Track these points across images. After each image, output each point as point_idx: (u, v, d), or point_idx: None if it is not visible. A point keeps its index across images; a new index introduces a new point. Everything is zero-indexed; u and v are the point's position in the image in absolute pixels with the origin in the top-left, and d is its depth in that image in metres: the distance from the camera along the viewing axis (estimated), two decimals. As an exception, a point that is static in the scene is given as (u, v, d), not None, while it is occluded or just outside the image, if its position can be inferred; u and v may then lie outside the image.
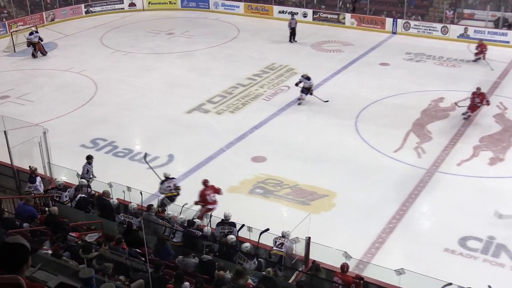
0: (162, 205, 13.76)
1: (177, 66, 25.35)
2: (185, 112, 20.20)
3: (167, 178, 14.18)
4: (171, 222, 12.25)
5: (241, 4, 34.21)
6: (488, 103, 19.33)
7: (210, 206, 13.59)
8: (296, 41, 28.78)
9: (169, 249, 10.89)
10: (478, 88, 19.36)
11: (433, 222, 14.20)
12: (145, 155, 15.90)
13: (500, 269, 12.20)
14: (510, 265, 12.29)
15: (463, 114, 19.33)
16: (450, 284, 9.72)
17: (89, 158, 14.70)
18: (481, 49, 25.11)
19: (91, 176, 14.49)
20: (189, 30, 30.82)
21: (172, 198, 13.99)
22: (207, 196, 13.64)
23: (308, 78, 20.53)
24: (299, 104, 20.61)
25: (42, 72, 24.80)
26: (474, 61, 25.17)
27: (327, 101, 20.50)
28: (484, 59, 24.90)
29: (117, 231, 11.48)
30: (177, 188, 14.13)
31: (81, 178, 13.95)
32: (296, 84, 20.80)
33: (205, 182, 13.86)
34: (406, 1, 30.45)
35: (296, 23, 28.87)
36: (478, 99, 19.11)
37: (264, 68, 24.63)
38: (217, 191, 13.83)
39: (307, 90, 20.61)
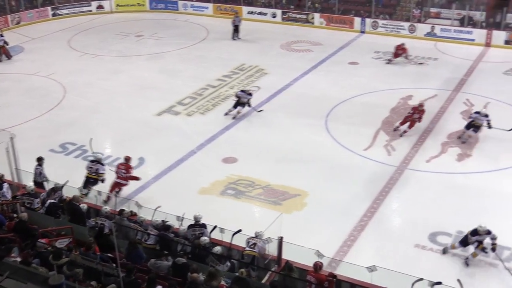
0: (85, 185, 14.44)
1: (147, 68, 25.19)
2: (155, 114, 20.08)
3: (95, 161, 14.86)
4: (143, 225, 12.15)
5: (210, 5, 34.14)
6: (420, 120, 18.39)
7: (117, 180, 14.68)
8: (240, 38, 29.06)
9: (141, 252, 10.80)
10: (421, 105, 18.60)
11: (404, 218, 14.37)
12: (90, 140, 16.09)
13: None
14: (478, 258, 12.45)
15: (396, 129, 18.33)
16: (440, 283, 9.80)
17: (40, 160, 14.62)
18: (401, 52, 25.08)
19: (44, 179, 14.41)
20: (158, 32, 30.65)
21: (90, 180, 14.57)
22: (118, 169, 14.75)
23: (250, 94, 19.77)
24: (226, 114, 19.76)
25: (8, 77, 24.38)
26: (388, 62, 25.25)
27: (261, 110, 19.91)
28: (406, 58, 25.24)
29: (88, 236, 11.35)
30: (98, 174, 14.64)
31: (33, 180, 14.02)
32: (246, 104, 19.75)
33: (126, 158, 15.04)
34: (374, 0, 30.70)
35: (240, 21, 29.30)
36: (417, 115, 18.20)
37: (234, 69, 24.62)
38: (129, 168, 14.81)
39: (243, 104, 19.63)
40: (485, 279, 11.84)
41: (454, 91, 21.91)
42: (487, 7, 29.08)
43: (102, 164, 14.91)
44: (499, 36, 27.61)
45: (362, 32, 30.18)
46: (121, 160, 15.20)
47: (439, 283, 9.79)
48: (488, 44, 27.68)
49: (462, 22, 29.01)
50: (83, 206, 12.59)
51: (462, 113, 19.84)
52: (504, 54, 26.46)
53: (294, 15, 32.19)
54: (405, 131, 18.11)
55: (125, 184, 14.85)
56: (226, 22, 31.66)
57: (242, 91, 19.87)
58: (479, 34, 27.99)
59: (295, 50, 27.58)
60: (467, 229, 13.21)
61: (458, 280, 9.76)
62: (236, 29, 29.23)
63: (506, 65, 24.85)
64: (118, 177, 14.74)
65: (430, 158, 16.84)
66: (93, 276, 9.51)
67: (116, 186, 14.72)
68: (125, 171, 14.76)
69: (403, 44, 25.12)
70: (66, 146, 17.73)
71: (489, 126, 17.33)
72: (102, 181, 14.73)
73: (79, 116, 20.00)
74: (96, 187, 14.35)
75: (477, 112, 17.61)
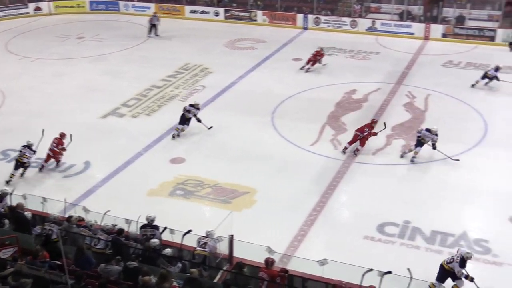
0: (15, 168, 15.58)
1: (89, 70, 24.72)
2: (99, 117, 19.73)
3: (26, 146, 15.77)
4: (92, 229, 11.94)
5: (152, 5, 33.75)
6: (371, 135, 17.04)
7: (48, 152, 16.07)
8: (158, 36, 29.08)
9: (90, 257, 10.61)
10: (374, 121, 17.34)
11: (352, 211, 14.58)
12: (43, 131, 16.41)
13: (416, 251, 12.71)
14: (425, 246, 12.83)
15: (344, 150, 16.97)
16: (389, 272, 9.97)
17: None
18: (319, 58, 23.82)
19: None
20: (99, 34, 30.12)
21: (18, 163, 15.58)
22: (52, 142, 16.13)
23: (198, 108, 18.36)
24: (173, 137, 18.12)
25: None
26: (306, 70, 23.76)
27: (211, 127, 18.47)
28: (320, 63, 23.88)
29: (34, 244, 11.06)
30: (23, 156, 15.59)
31: None
32: (199, 120, 18.27)
33: (61, 134, 16.36)
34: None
35: (158, 20, 29.30)
36: (368, 130, 16.87)
37: (178, 69, 24.45)
38: (59, 144, 16.17)
39: (188, 121, 18.18)
40: (433, 267, 12.12)
41: (396, 84, 22.38)
42: (424, 1, 29.85)
43: (32, 150, 15.77)
44: (437, 29, 28.36)
45: (305, 28, 30.47)
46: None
47: (389, 272, 9.99)
48: (426, 38, 28.38)
49: (401, 16, 29.66)
50: (28, 214, 12.26)
51: (404, 105, 20.31)
52: (442, 47, 27.21)
53: (237, 13, 32.20)
54: (357, 149, 16.85)
55: (53, 157, 16.19)
56: (169, 22, 31.45)
57: (191, 105, 18.37)
58: (418, 28, 28.67)
59: (239, 48, 27.62)
60: (414, 218, 13.62)
61: (408, 269, 9.96)
62: (152, 27, 29.18)
63: (444, 57, 25.56)
64: (49, 149, 16.07)
65: (375, 151, 17.15)
66: (42, 285, 9.28)
67: (48, 158, 16.14)
68: (55, 144, 16.13)
69: (321, 50, 24.08)
70: (7, 152, 17.22)
71: (434, 147, 16.28)
72: (26, 166, 15.73)
73: (20, 121, 19.44)
74: (40, 193, 13.92)
75: (427, 130, 16.38)
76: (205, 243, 11.21)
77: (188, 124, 18.16)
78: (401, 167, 16.29)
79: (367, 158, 16.73)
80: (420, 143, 16.37)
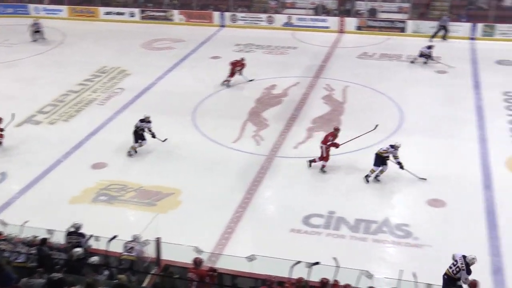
0: None
1: (0, 78, 23.74)
2: (14, 125, 18.94)
3: None
4: (13, 243, 11.48)
5: (64, 7, 32.81)
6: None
7: None
8: (45, 39, 28.33)
9: (10, 273, 10.18)
10: (337, 128, 16.13)
11: (277, 205, 14.75)
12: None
13: (341, 240, 12.99)
14: (350, 235, 13.14)
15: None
16: (317, 263, 10.12)
17: None
18: (240, 68, 22.01)
19: None
20: (9, 39, 28.93)
21: None
22: None
23: (149, 122, 16.98)
24: (130, 154, 16.98)
25: None
26: (227, 85, 22.01)
27: (165, 140, 17.40)
28: (240, 74, 22.07)
29: None
30: None
31: None
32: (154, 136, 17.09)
33: None
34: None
35: (39, 27, 28.39)
36: (331, 139, 15.84)
37: (95, 72, 23.89)
38: None
39: (142, 136, 17.00)
40: (358, 255, 12.41)
41: (314, 78, 22.79)
42: (338, -5, 30.55)
43: None
44: (351, 22, 29.13)
45: (222, 26, 30.50)
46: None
47: (317, 263, 10.17)
48: (341, 31, 29.08)
49: (316, 11, 30.21)
50: None
51: (323, 98, 20.71)
52: (357, 40, 27.95)
53: (153, 13, 31.81)
54: (323, 165, 15.83)
55: None
56: (83, 24, 30.73)
57: (141, 120, 16.88)
58: (333, 21, 29.34)
59: (157, 48, 27.31)
60: (338, 208, 13.92)
61: (334, 258, 10.16)
62: (35, 32, 28.31)
63: (359, 49, 26.26)
64: None
65: (297, 144, 17.40)
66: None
67: None
68: None
69: (242, 60, 22.24)
70: None
71: (401, 167, 15.16)
72: None
73: None
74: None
75: (392, 146, 15.11)
76: (132, 248, 11.03)
77: (144, 139, 16.85)
78: (323, 159, 16.56)
79: (289, 152, 16.96)
80: (384, 161, 15.19)
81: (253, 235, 13.35)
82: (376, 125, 16.37)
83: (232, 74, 21.94)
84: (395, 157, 15.05)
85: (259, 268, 10.52)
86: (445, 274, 10.75)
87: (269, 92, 21.30)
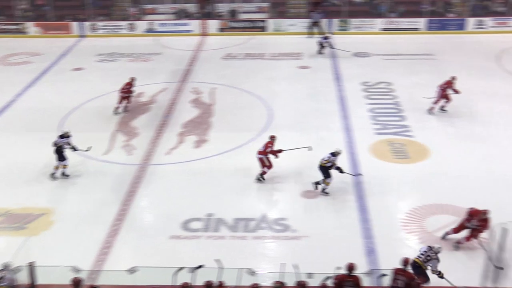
0: None
1: None
2: None
3: None
4: None
5: None
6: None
7: None
8: None
9: None
10: (273, 137, 15.52)
11: (155, 214, 14.52)
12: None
13: (222, 241, 13.05)
14: (229, 235, 13.23)
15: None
16: (200, 266, 10.10)
17: None
18: (129, 89, 20.03)
19: None
20: None
21: None
22: None
23: (68, 137, 15.74)
24: (54, 177, 15.86)
25: None
26: (122, 111, 19.93)
27: (89, 148, 16.34)
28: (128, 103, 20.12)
29: None
30: None
31: None
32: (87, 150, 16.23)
33: None
34: (89, 3, 30.15)
35: None
36: (271, 146, 15.36)
37: None
38: None
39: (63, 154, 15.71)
40: (239, 254, 12.54)
41: (181, 82, 22.75)
42: (197, -1, 30.71)
43: None
44: (213, 25, 29.44)
45: (82, 36, 29.54)
46: None
47: (200, 266, 10.17)
48: (204, 34, 29.27)
49: (178, 15, 30.15)
50: None
51: (192, 102, 20.73)
52: (220, 41, 28.25)
53: (5, 26, 30.11)
54: (263, 172, 15.34)
55: None
56: None
57: (61, 136, 15.71)
58: (195, 25, 29.51)
59: (13, 63, 25.89)
60: (216, 210, 13.96)
61: (217, 260, 10.22)
62: None
63: (223, 51, 26.60)
64: None
65: (169, 150, 17.27)
66: None
67: None
68: None
69: (132, 80, 20.21)
70: None
71: (340, 171, 14.64)
72: None
73: None
74: None
75: (332, 154, 14.58)
76: (2, 277, 10.39)
77: (64, 159, 15.64)
78: (196, 163, 16.53)
79: (162, 159, 16.79)
80: (327, 172, 14.57)
81: (133, 247, 13.04)
82: (310, 147, 15.86)
83: (125, 97, 19.95)
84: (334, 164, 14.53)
85: (142, 280, 10.37)
86: (414, 262, 10.81)
87: (137, 100, 20.90)
